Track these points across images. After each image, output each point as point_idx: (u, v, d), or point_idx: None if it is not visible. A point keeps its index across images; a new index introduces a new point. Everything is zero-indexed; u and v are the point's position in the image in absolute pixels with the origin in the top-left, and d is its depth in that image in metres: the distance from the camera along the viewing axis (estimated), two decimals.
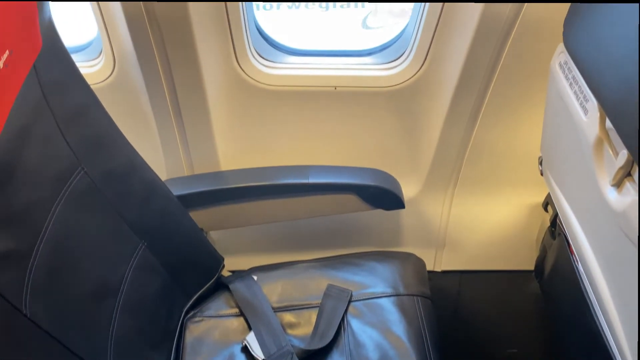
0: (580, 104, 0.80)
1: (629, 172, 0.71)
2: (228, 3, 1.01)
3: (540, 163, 1.06)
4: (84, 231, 0.88)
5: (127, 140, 0.99)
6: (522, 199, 1.30)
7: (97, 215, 0.92)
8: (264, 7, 3.99)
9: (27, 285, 0.72)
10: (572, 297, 1.04)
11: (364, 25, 3.94)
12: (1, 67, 0.67)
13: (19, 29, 0.72)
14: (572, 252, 1.03)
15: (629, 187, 0.70)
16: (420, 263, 1.23)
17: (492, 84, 1.08)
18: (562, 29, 0.85)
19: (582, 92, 0.79)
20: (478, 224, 1.36)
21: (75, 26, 1.20)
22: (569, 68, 0.84)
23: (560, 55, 0.87)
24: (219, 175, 1.21)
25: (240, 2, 1.03)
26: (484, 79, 1.07)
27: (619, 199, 0.71)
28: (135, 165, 1.01)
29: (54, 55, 0.83)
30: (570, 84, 0.83)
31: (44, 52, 0.80)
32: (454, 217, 1.34)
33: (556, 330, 1.16)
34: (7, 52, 0.68)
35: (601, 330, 0.88)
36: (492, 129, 1.18)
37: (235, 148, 1.25)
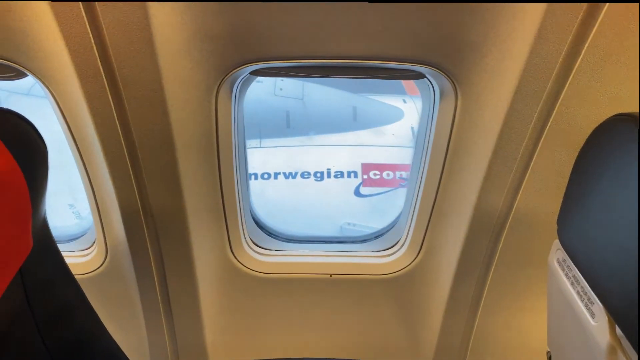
0: (586, 306, 0.76)
1: None
2: (225, 194, 1.03)
3: (549, 358, 1.00)
4: None
5: (110, 338, 0.94)
6: None
7: None
8: (262, 177, 4.11)
9: None
10: None
11: (357, 193, 4.03)
12: None
13: (9, 236, 0.71)
14: None
15: None
16: None
17: (491, 273, 1.06)
18: (556, 220, 0.85)
19: (585, 294, 0.77)
20: None
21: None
22: (568, 267, 0.82)
23: (558, 252, 0.86)
24: None
25: (237, 194, 1.05)
26: (482, 267, 1.06)
27: None
28: None
29: (44, 255, 0.82)
30: (572, 284, 0.80)
31: (33, 252, 0.78)
32: None
33: None
34: None
35: None
36: (495, 318, 1.13)
37: (225, 338, 1.18)
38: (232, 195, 1.03)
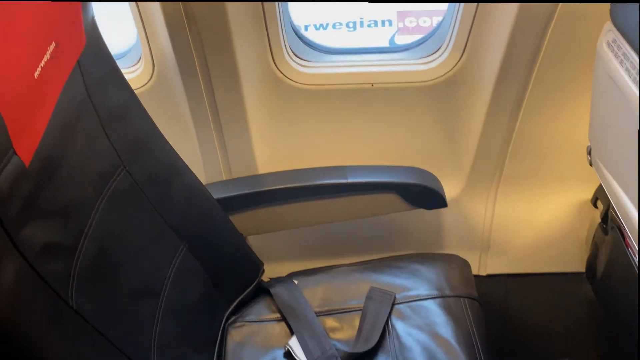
0: (634, 80, 0.76)
1: None
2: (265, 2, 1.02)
3: (589, 153, 1.02)
4: (127, 231, 0.88)
5: (168, 143, 1.00)
6: (569, 196, 1.25)
7: (139, 215, 0.92)
8: None
9: (73, 279, 0.72)
10: (629, 292, 0.99)
11: (392, 43, 3.91)
12: (48, 58, 0.68)
13: (65, 24, 0.74)
14: (627, 244, 0.98)
15: None
16: (465, 264, 1.19)
17: (534, 73, 1.05)
18: (606, 8, 0.83)
19: (634, 68, 0.76)
20: (524, 224, 1.31)
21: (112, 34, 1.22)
22: (618, 46, 0.81)
23: (608, 34, 0.84)
24: (256, 178, 1.21)
25: (276, 2, 1.04)
26: (525, 68, 1.05)
27: None
28: (177, 168, 1.01)
29: (97, 55, 0.85)
30: (621, 62, 0.80)
31: (87, 51, 0.81)
32: (498, 217, 1.29)
33: (613, 333, 1.10)
34: (53, 43, 0.69)
35: None
36: (535, 122, 1.14)
37: (273, 151, 1.24)
38: (272, 4, 1.02)
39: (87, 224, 0.79)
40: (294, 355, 1.01)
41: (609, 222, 1.08)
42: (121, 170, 0.89)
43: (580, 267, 1.24)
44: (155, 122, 0.97)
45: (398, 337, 1.03)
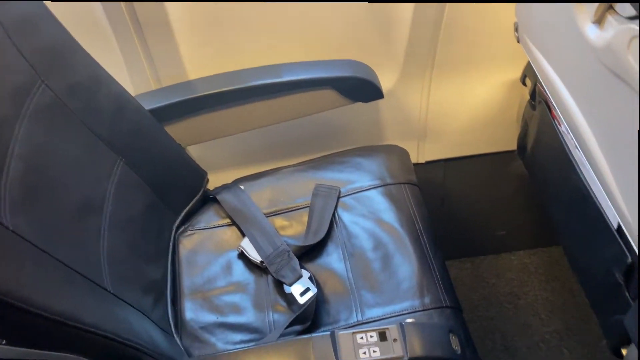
0: None
1: (610, 5, 0.69)
2: None
3: (516, 29, 1.04)
4: (57, 147, 0.85)
5: (87, 53, 0.94)
6: (499, 77, 1.28)
7: (67, 130, 0.88)
8: None
9: (4, 200, 0.69)
10: (556, 162, 1.04)
11: None
12: None
13: None
14: (553, 116, 1.03)
15: (611, 20, 0.68)
16: (403, 152, 1.23)
17: None
18: None
19: None
20: (458, 109, 1.34)
21: None
22: None
23: None
24: (188, 85, 1.16)
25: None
26: None
27: (601, 35, 0.70)
28: (100, 79, 0.96)
29: None
30: None
31: None
32: (433, 105, 1.32)
33: (543, 204, 1.18)
34: None
35: (589, 188, 0.89)
36: (464, 4, 1.14)
37: (202, 55, 1.19)
38: None
39: (11, 143, 0.75)
40: (247, 255, 1.04)
41: (537, 97, 1.12)
42: (39, 84, 0.84)
43: (513, 146, 1.30)
44: (72, 34, 0.90)
45: (345, 226, 1.07)
